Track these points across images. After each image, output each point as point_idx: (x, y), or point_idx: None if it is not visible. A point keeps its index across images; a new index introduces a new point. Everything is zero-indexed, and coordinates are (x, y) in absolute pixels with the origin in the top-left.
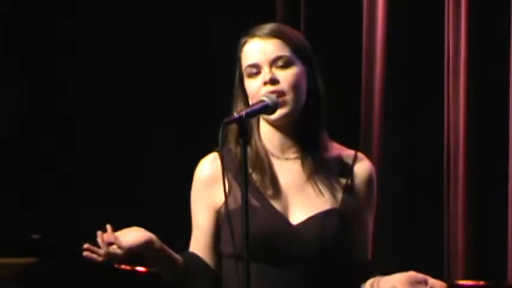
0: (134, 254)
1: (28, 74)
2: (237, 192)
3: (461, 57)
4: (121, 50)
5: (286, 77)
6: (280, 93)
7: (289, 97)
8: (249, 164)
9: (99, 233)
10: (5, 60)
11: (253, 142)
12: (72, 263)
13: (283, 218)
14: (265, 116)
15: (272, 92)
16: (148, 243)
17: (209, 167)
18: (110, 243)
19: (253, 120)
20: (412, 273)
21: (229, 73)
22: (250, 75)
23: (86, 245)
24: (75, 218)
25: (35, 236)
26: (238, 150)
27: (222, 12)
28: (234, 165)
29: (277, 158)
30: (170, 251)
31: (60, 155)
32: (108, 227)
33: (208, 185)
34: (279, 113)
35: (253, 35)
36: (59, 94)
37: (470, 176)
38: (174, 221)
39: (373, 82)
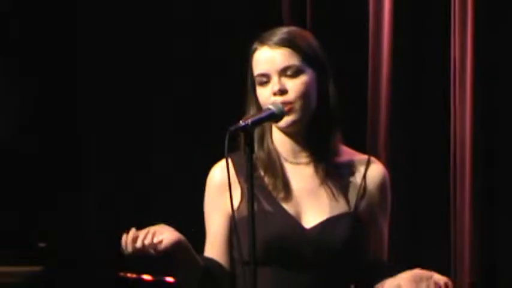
0: (163, 253)
1: (29, 74)
2: (248, 198)
3: (467, 67)
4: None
5: (294, 86)
6: (288, 103)
7: (297, 105)
8: (261, 167)
9: (133, 230)
10: (5, 61)
11: (265, 146)
12: (77, 271)
13: (296, 222)
14: (274, 123)
15: (282, 103)
16: (179, 244)
17: (220, 173)
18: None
19: (266, 125)
20: (416, 271)
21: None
22: (261, 84)
23: (132, 232)
24: (81, 222)
25: (41, 244)
26: (242, 156)
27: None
28: (246, 170)
29: (290, 162)
30: (194, 252)
31: (66, 157)
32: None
33: (221, 191)
34: (286, 120)
35: (263, 43)
36: (63, 94)
37: (476, 178)
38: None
39: (379, 89)
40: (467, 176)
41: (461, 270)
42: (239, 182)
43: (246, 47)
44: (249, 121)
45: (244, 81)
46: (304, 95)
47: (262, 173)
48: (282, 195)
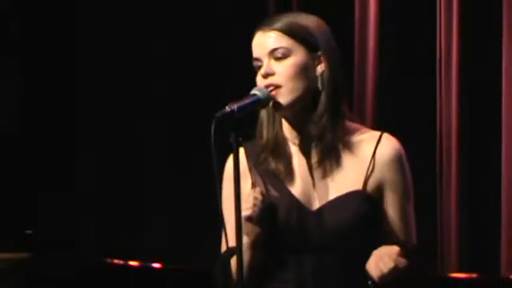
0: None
1: (29, 73)
2: (260, 186)
3: (453, 57)
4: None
5: (282, 68)
6: (275, 86)
7: (284, 89)
8: (267, 151)
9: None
10: (4, 60)
11: (270, 130)
12: (64, 258)
13: (301, 205)
14: (262, 108)
15: (267, 86)
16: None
17: (231, 162)
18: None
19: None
20: (382, 249)
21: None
22: (257, 69)
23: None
24: (72, 215)
25: (28, 231)
26: (260, 141)
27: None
28: (256, 157)
29: (296, 144)
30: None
31: (62, 152)
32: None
33: (233, 180)
34: (276, 103)
35: (258, 28)
36: (60, 94)
37: (463, 168)
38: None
39: (365, 82)
40: (454, 166)
41: (448, 251)
42: (250, 171)
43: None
44: (235, 107)
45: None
46: (293, 77)
47: (268, 157)
48: (288, 178)
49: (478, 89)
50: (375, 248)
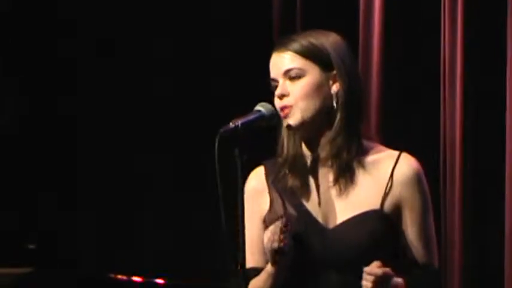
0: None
1: (29, 74)
2: (277, 204)
3: (457, 64)
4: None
5: (295, 89)
6: (287, 107)
7: (296, 108)
8: (286, 169)
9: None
10: (4, 61)
11: (290, 147)
12: (67, 273)
13: (317, 223)
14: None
15: (282, 108)
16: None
17: (253, 180)
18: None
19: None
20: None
21: None
22: (274, 89)
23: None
24: (73, 223)
25: (31, 246)
26: (279, 160)
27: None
28: (275, 175)
29: (313, 162)
30: None
31: (61, 158)
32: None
33: (254, 198)
34: (287, 123)
35: (274, 49)
36: (60, 95)
37: (466, 176)
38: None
39: (369, 85)
40: (457, 174)
41: (451, 261)
42: (269, 188)
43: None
44: (239, 123)
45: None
46: (306, 97)
47: (287, 175)
48: (305, 196)
49: (482, 98)
50: (390, 266)
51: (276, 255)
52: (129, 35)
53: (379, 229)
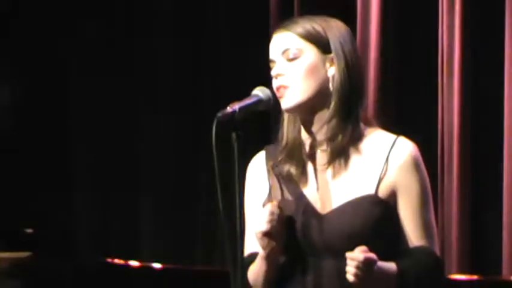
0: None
1: (27, 72)
2: (276, 189)
3: (455, 58)
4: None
5: (291, 69)
6: (284, 86)
7: (292, 89)
8: (284, 154)
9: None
10: (3, 60)
11: (290, 133)
12: (65, 257)
13: (312, 208)
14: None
15: (278, 87)
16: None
17: (254, 165)
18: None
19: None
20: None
21: None
22: (272, 69)
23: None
24: (71, 213)
25: (28, 230)
26: (279, 145)
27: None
28: (274, 159)
29: (312, 147)
30: None
31: (58, 151)
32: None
33: (255, 183)
34: (283, 103)
35: (274, 31)
36: (58, 92)
37: (464, 173)
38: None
39: (366, 83)
40: (455, 166)
41: (449, 253)
42: (268, 174)
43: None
44: (236, 107)
45: None
46: (302, 78)
47: (284, 160)
48: (302, 181)
49: (480, 92)
50: (389, 253)
51: (263, 239)
52: None
53: (373, 214)
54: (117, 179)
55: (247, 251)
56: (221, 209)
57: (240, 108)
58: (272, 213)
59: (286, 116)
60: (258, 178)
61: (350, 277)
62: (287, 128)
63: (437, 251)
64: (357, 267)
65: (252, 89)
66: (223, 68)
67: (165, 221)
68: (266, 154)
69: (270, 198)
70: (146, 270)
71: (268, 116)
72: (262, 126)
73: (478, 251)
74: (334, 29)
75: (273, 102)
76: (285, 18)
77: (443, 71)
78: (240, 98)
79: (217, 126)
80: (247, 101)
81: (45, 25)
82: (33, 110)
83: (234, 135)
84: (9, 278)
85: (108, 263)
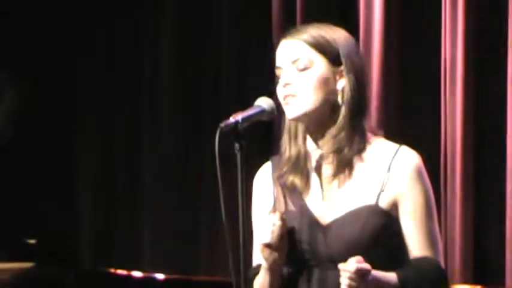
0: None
1: (28, 74)
2: (280, 200)
3: (457, 64)
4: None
5: (300, 79)
6: (292, 95)
7: (299, 98)
8: (289, 165)
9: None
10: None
11: (293, 144)
12: (67, 268)
13: (313, 219)
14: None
15: (285, 96)
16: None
17: (260, 176)
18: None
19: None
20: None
21: None
22: (278, 76)
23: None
24: (73, 220)
25: (31, 241)
26: (284, 156)
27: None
28: (280, 170)
29: (317, 157)
30: None
31: (60, 155)
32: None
33: (260, 194)
34: (289, 113)
35: (283, 37)
36: (60, 94)
37: (467, 180)
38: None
39: (369, 88)
40: (458, 174)
41: (452, 262)
42: (273, 185)
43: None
44: (239, 118)
45: None
46: (311, 89)
47: (289, 171)
48: (305, 192)
49: (483, 97)
50: (391, 264)
51: (264, 250)
52: None
53: (373, 225)
54: (119, 185)
55: (255, 262)
56: (224, 218)
57: (243, 119)
58: (274, 225)
59: (290, 125)
60: (264, 189)
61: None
62: (289, 138)
63: (442, 262)
64: (350, 278)
65: (253, 96)
66: (225, 73)
67: (167, 230)
68: (272, 165)
69: (274, 209)
70: (149, 280)
71: (269, 126)
72: (263, 136)
73: (481, 261)
74: (344, 40)
75: (277, 113)
76: (287, 21)
77: (446, 77)
78: (243, 107)
79: (220, 136)
80: (250, 111)
81: (46, 26)
82: (34, 112)
83: (237, 145)
84: None
85: (110, 273)
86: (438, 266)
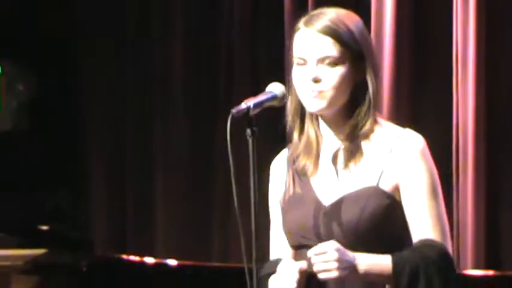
0: None
1: (41, 68)
2: (289, 183)
3: (469, 52)
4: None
5: (330, 76)
6: (320, 91)
7: (327, 94)
8: (299, 150)
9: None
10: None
11: (306, 127)
12: (80, 254)
13: (317, 201)
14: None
15: (315, 91)
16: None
17: (275, 163)
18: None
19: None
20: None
21: None
22: (299, 64)
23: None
24: (86, 206)
25: (43, 227)
26: (296, 140)
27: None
28: (292, 156)
29: (328, 143)
30: None
31: (70, 146)
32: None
33: (274, 181)
34: (315, 106)
35: (307, 25)
36: (69, 89)
37: (479, 167)
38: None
39: (382, 76)
40: (470, 162)
41: (464, 249)
42: (287, 171)
43: None
44: (251, 103)
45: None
46: (338, 86)
47: (300, 155)
48: (314, 175)
49: (495, 88)
50: (393, 249)
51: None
52: None
53: (374, 207)
54: (133, 173)
55: (272, 254)
56: (236, 205)
57: (254, 104)
58: (292, 276)
59: (298, 109)
60: (279, 177)
61: (323, 275)
62: (302, 121)
63: (449, 246)
64: (325, 261)
65: (265, 85)
66: (237, 64)
67: (180, 217)
68: (288, 152)
69: (285, 195)
70: (161, 267)
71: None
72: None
73: (493, 246)
74: (365, 35)
75: (287, 99)
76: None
77: (458, 67)
78: (253, 94)
79: (231, 122)
80: (261, 97)
81: (59, 23)
82: (48, 105)
83: (248, 131)
84: (25, 275)
85: (123, 259)
86: (441, 249)
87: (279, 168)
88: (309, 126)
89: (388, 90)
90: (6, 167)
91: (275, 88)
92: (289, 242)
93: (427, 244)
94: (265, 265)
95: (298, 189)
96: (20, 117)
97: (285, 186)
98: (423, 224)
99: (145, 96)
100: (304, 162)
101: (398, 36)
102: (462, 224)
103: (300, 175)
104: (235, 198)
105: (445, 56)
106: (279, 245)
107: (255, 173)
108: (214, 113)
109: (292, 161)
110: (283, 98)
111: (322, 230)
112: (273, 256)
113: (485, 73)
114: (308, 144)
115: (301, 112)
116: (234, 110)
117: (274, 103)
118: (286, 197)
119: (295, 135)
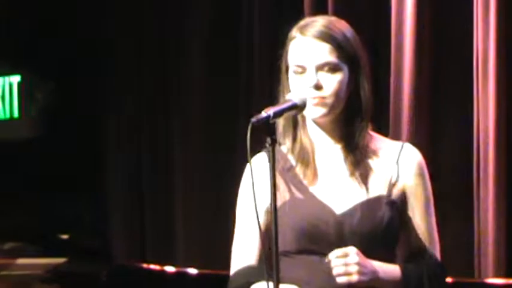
0: None
1: (61, 76)
2: (283, 189)
3: (489, 59)
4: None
5: (330, 82)
6: (322, 98)
7: (329, 101)
8: (293, 157)
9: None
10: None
11: (299, 135)
12: (99, 262)
13: (326, 208)
14: (304, 114)
15: (316, 98)
16: None
17: (256, 169)
18: None
19: (299, 116)
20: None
21: None
22: (296, 72)
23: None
24: (105, 216)
25: (63, 236)
26: (284, 147)
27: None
28: (280, 162)
29: (322, 150)
30: None
31: (90, 155)
32: None
33: (257, 186)
34: (316, 112)
35: (304, 33)
36: (83, 94)
37: (500, 175)
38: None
39: (401, 81)
40: (491, 169)
41: (485, 257)
42: (270, 175)
43: None
44: (271, 112)
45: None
46: (337, 92)
47: (294, 163)
48: (313, 183)
49: None
50: (391, 257)
51: None
52: None
53: (385, 215)
54: (153, 181)
55: (238, 258)
56: (257, 214)
57: (274, 113)
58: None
59: (288, 117)
60: (262, 183)
61: (343, 278)
62: (292, 131)
63: (438, 255)
64: (346, 264)
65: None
66: (257, 67)
67: (200, 225)
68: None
69: (275, 201)
70: (182, 276)
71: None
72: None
73: None
74: (359, 44)
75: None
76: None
77: (479, 75)
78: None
79: (251, 131)
80: (282, 106)
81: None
82: (66, 113)
83: (268, 139)
84: (46, 284)
85: (143, 268)
86: (437, 260)
87: (260, 173)
88: (301, 135)
89: (408, 101)
90: (24, 175)
91: (295, 96)
92: (284, 246)
93: (426, 255)
94: (236, 274)
95: (297, 195)
96: (39, 125)
97: (271, 191)
98: (422, 234)
99: (164, 100)
100: (302, 170)
101: (418, 46)
102: (483, 233)
103: (295, 182)
104: (255, 207)
105: (466, 65)
106: (246, 250)
107: (274, 180)
108: (234, 120)
109: (287, 169)
110: (303, 107)
111: (333, 237)
112: (238, 261)
113: (506, 83)
114: (303, 153)
115: (294, 121)
116: (253, 119)
117: (294, 112)
118: (281, 202)
119: (288, 143)
